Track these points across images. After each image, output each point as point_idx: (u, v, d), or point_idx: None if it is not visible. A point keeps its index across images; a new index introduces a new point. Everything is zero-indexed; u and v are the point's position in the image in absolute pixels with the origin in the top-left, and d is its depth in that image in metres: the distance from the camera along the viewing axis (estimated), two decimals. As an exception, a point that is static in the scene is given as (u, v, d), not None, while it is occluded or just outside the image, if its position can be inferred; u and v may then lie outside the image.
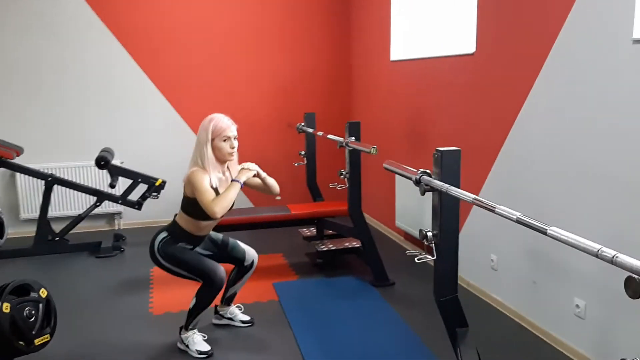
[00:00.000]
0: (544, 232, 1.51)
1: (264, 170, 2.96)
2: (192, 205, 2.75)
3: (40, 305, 2.56)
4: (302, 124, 4.66)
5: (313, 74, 5.68)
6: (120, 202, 4.62)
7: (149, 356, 2.86)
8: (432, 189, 2.09)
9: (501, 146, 3.26)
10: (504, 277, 3.34)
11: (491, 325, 3.16)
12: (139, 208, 4.66)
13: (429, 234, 2.14)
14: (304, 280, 3.89)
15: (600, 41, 2.48)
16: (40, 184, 4.62)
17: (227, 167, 2.88)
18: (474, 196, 1.86)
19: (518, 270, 3.18)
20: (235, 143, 2.79)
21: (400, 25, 4.68)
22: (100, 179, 5.12)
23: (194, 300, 2.83)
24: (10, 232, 4.88)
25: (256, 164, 2.95)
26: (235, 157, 2.85)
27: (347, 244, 4.14)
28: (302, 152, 4.77)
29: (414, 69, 4.36)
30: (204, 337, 2.93)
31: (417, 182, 2.13)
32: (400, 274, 3.90)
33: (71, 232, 4.61)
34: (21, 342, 2.42)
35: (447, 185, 1.99)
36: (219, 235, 3.08)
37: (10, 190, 5.02)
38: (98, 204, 4.62)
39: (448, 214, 2.11)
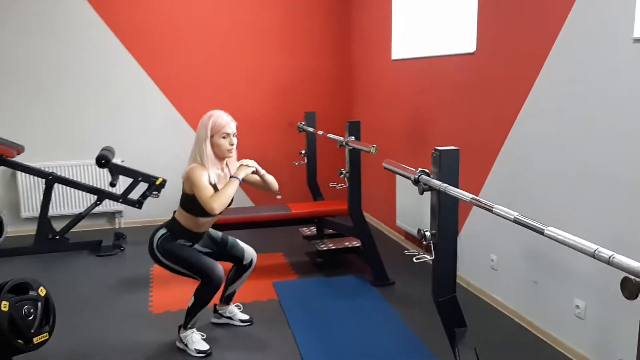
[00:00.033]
0: (542, 232, 1.51)
1: (264, 169, 2.96)
2: (190, 202, 2.75)
3: (39, 304, 2.55)
4: (303, 122, 4.66)
5: (313, 73, 5.67)
6: (120, 200, 4.63)
7: (148, 355, 2.86)
8: (431, 189, 2.08)
9: (501, 146, 3.26)
10: (504, 277, 3.34)
11: (491, 325, 3.15)
12: (140, 207, 4.66)
13: (428, 233, 2.13)
14: (304, 280, 3.89)
15: (601, 41, 2.48)
16: (41, 183, 4.64)
17: (226, 164, 2.89)
18: (472, 196, 1.86)
19: (518, 270, 3.17)
20: (235, 140, 2.79)
21: (401, 25, 4.67)
22: (100, 178, 5.13)
23: (193, 298, 2.83)
24: (11, 230, 4.89)
25: (256, 162, 2.95)
26: (234, 154, 2.85)
27: (347, 243, 4.14)
28: (303, 151, 4.77)
29: (414, 68, 4.35)
30: (203, 336, 2.93)
31: (416, 182, 2.13)
32: (401, 273, 3.90)
33: (72, 230, 4.63)
34: (20, 341, 2.42)
35: (445, 184, 1.98)
36: (219, 234, 3.08)
37: (11, 189, 5.03)
38: (98, 202, 4.63)
39: (446, 214, 2.10)
